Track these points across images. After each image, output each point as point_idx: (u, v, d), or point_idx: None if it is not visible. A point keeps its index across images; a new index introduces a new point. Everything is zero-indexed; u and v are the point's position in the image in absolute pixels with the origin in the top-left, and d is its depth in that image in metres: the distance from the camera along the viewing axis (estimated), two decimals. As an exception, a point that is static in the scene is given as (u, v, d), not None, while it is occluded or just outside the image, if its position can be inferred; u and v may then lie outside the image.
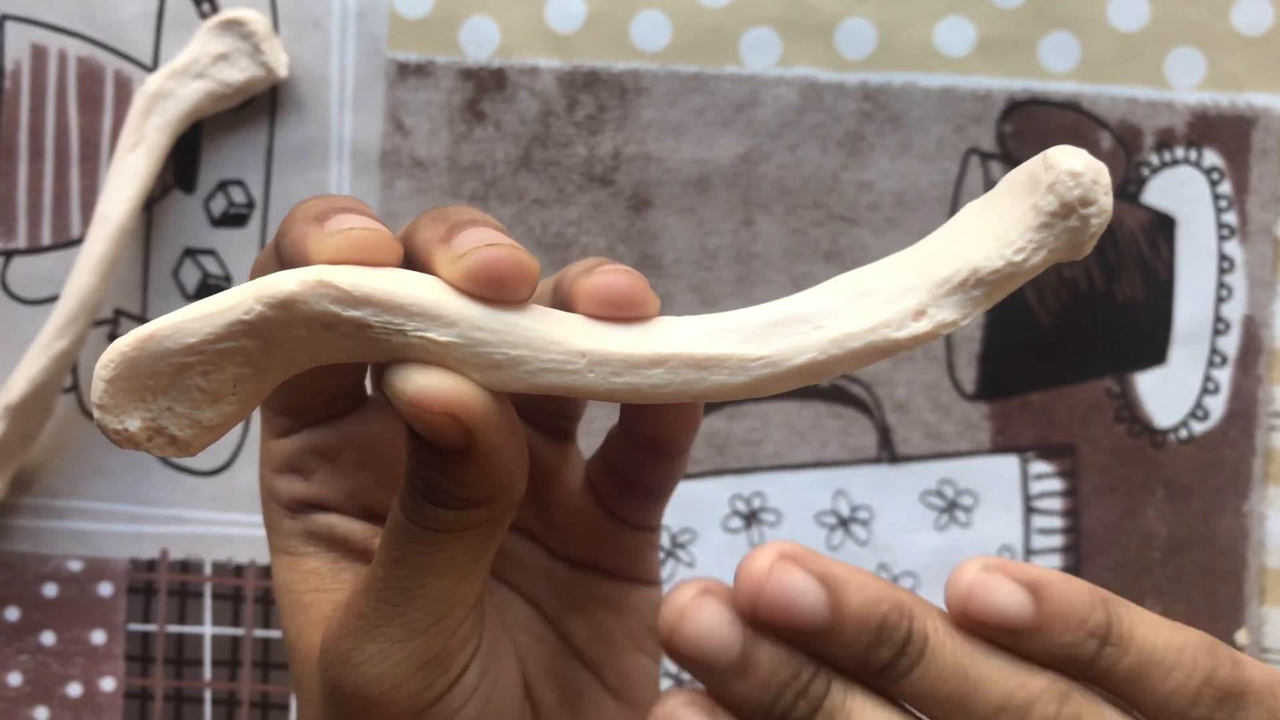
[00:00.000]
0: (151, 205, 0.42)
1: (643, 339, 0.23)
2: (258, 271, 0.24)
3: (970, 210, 0.24)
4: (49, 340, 0.40)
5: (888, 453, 0.42)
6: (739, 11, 0.41)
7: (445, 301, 0.22)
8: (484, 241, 0.22)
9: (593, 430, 0.39)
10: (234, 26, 0.41)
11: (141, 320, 0.42)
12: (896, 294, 0.23)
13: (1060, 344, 0.41)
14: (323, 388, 0.26)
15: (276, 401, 0.27)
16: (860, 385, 0.42)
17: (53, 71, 0.42)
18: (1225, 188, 0.41)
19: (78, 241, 0.42)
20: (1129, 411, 0.41)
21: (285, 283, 0.21)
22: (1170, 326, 0.41)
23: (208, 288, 0.42)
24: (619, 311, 0.23)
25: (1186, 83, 0.41)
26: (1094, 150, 0.41)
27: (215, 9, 0.42)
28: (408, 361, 0.22)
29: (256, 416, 0.27)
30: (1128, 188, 0.41)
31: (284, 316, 0.21)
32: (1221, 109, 0.41)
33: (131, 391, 0.22)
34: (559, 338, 0.22)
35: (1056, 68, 0.41)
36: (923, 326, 0.22)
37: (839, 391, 0.42)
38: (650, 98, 0.42)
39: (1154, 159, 0.41)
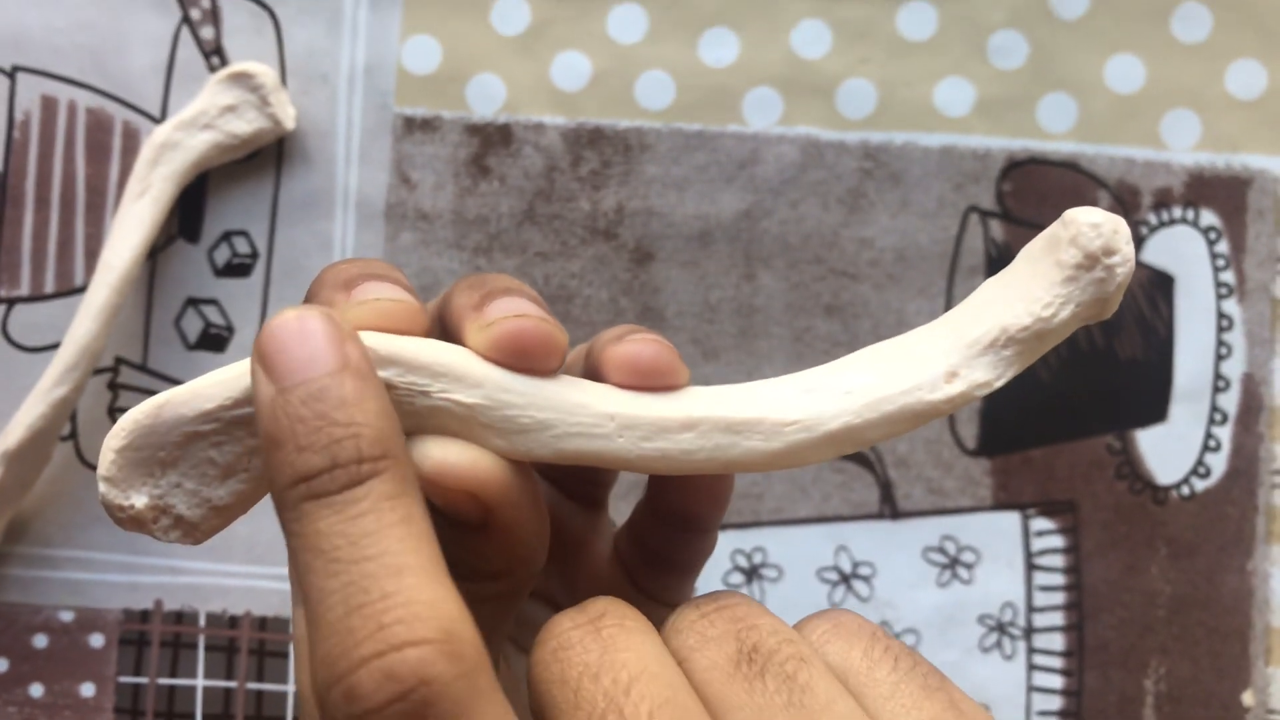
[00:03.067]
0: (155, 254, 0.42)
1: (673, 404, 0.23)
2: None
3: (991, 283, 0.24)
4: (48, 387, 0.39)
5: (889, 508, 0.42)
6: (741, 71, 0.42)
7: (472, 365, 0.22)
8: (513, 312, 0.22)
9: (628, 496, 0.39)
10: (242, 79, 0.41)
11: (142, 369, 0.42)
12: (927, 358, 0.23)
13: (1061, 401, 0.42)
14: None
15: None
16: (861, 440, 0.42)
17: (62, 122, 0.42)
18: (1223, 247, 0.41)
19: (81, 289, 0.42)
20: (1130, 468, 0.41)
21: None
22: (1170, 384, 0.41)
23: (209, 337, 0.42)
24: (648, 380, 0.23)
25: (1183, 144, 0.41)
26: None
27: (225, 62, 0.42)
28: (429, 432, 0.22)
29: None
30: (1126, 246, 0.42)
31: None
32: (1218, 170, 0.41)
33: (141, 464, 0.21)
34: (587, 401, 0.22)
35: (1055, 128, 0.42)
36: (956, 388, 0.22)
37: (840, 446, 0.42)
38: (654, 154, 0.42)
39: (1152, 218, 0.42)
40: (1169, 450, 0.41)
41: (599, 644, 0.20)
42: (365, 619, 0.18)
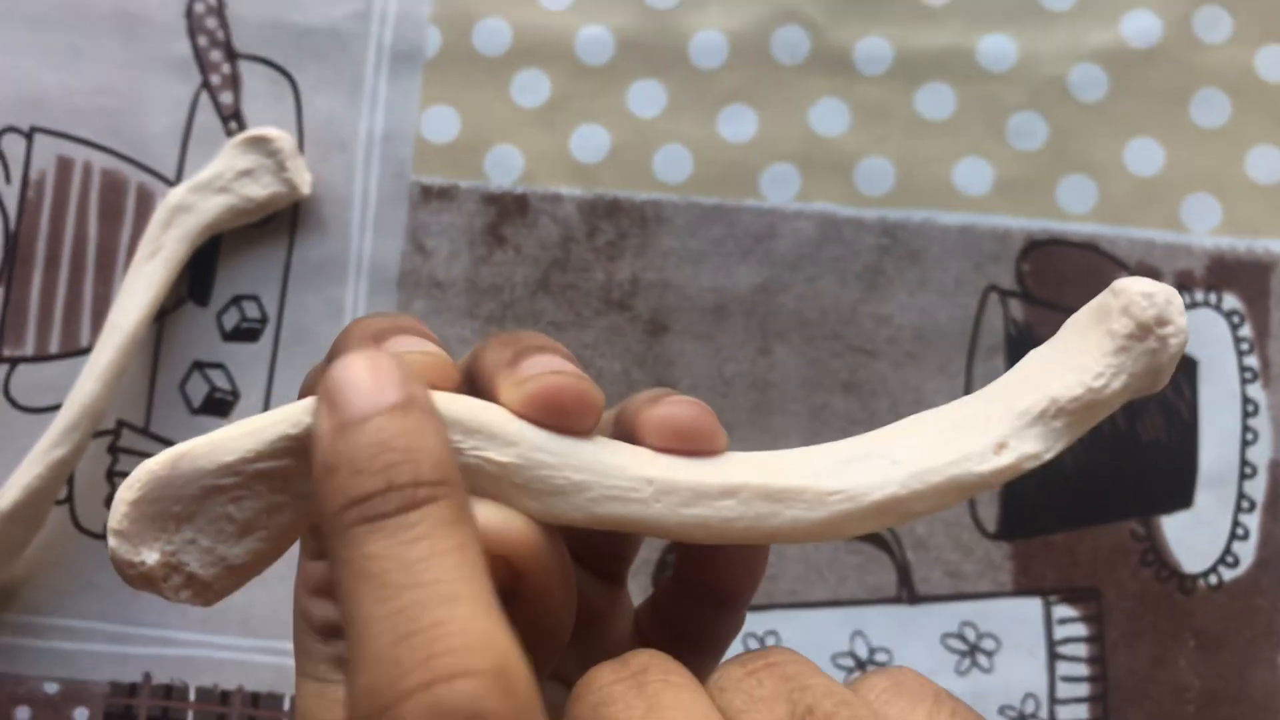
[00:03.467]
0: (163, 316, 0.42)
1: (713, 470, 0.22)
2: (306, 389, 0.24)
3: (1037, 354, 0.23)
4: (47, 447, 0.38)
5: (907, 592, 0.40)
6: (759, 147, 0.42)
7: (506, 423, 0.21)
8: (549, 369, 0.21)
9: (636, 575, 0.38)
10: (260, 143, 0.41)
11: (144, 432, 0.41)
12: (974, 429, 0.22)
13: (1083, 484, 0.41)
14: None
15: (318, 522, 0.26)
16: (878, 521, 0.40)
17: (77, 182, 0.42)
18: (1246, 331, 0.41)
19: (86, 351, 0.41)
20: (1155, 555, 0.40)
21: None
22: (1195, 469, 0.40)
23: (214, 402, 0.41)
24: (687, 444, 0.22)
25: (1203, 227, 0.41)
26: (1113, 291, 0.41)
27: (243, 127, 0.42)
28: None
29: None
30: (1148, 328, 0.41)
31: None
32: (1239, 254, 0.41)
33: (154, 518, 0.20)
34: (624, 464, 0.21)
35: (1075, 209, 0.41)
36: (1005, 459, 0.21)
37: (857, 527, 0.40)
38: (670, 227, 0.42)
39: (1173, 301, 0.41)
40: (1195, 538, 0.40)
41: (643, 701, 0.18)
42: (414, 648, 0.17)
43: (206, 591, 0.21)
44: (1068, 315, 0.38)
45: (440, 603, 0.17)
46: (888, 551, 0.40)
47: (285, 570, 0.39)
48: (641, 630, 0.27)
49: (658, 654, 0.20)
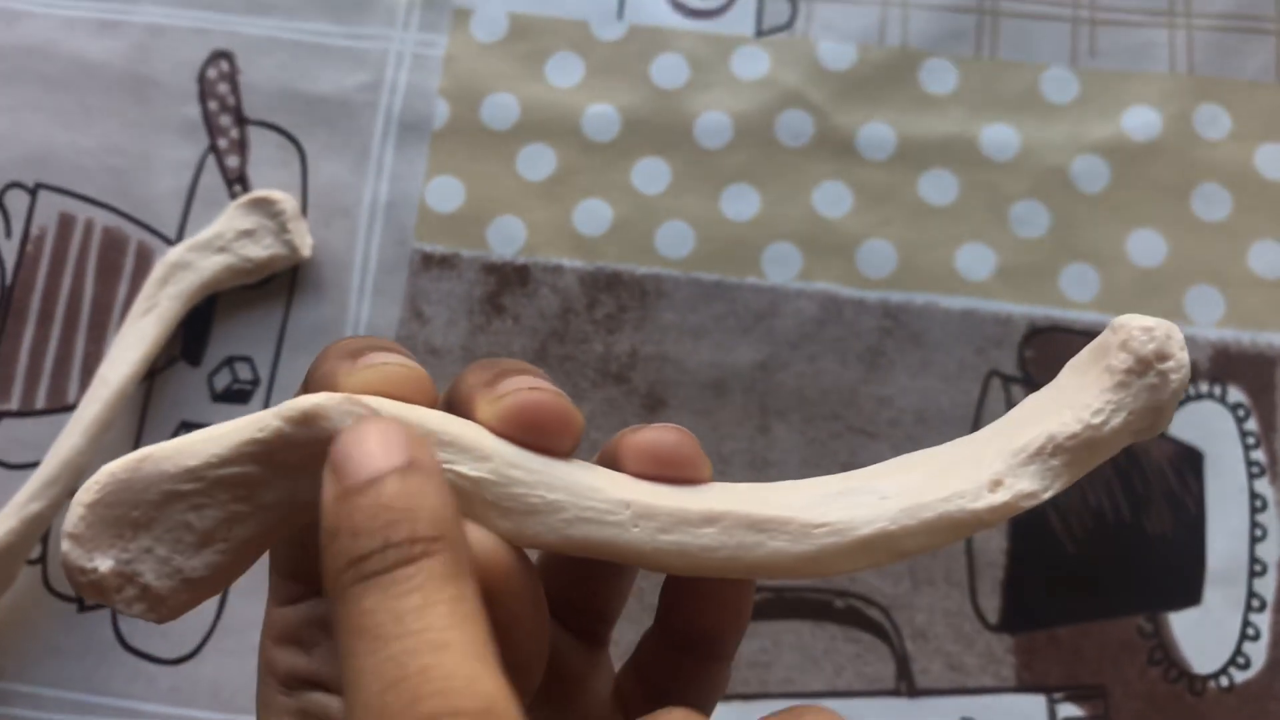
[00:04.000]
0: (154, 375, 0.41)
1: (694, 497, 0.21)
2: (300, 392, 0.23)
3: (1033, 398, 0.22)
4: (24, 501, 0.37)
5: (906, 684, 0.39)
6: (762, 226, 0.42)
7: (481, 438, 0.20)
8: (527, 386, 0.21)
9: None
10: (263, 205, 0.41)
11: (125, 492, 0.40)
12: (969, 466, 0.21)
13: (1088, 576, 0.39)
14: None
15: (286, 564, 0.25)
16: (878, 609, 0.39)
17: (77, 239, 0.42)
18: (1252, 424, 0.40)
19: (73, 407, 0.41)
20: (1164, 654, 0.39)
21: (309, 398, 0.20)
22: (1203, 565, 0.39)
23: (199, 463, 0.40)
24: (669, 470, 0.21)
25: (1207, 319, 0.41)
26: (1116, 380, 0.41)
27: (247, 190, 0.42)
28: None
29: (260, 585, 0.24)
30: (1152, 419, 0.40)
31: (302, 435, 0.20)
32: (1243, 346, 0.41)
33: (111, 523, 0.19)
34: (601, 486, 0.21)
35: (1077, 297, 0.41)
36: (1000, 497, 0.20)
37: (855, 614, 0.39)
38: (670, 301, 0.41)
39: (1178, 392, 0.41)
40: (1205, 636, 0.39)
41: None
42: (400, 693, 0.16)
43: (160, 606, 0.20)
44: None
45: (429, 650, 0.17)
46: (886, 641, 0.39)
47: (259, 639, 0.38)
48: (623, 695, 0.25)
49: (690, 712, 0.19)
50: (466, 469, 0.20)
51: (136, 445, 0.41)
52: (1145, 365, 0.20)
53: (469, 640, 0.17)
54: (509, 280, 0.42)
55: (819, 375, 0.41)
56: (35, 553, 0.40)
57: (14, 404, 0.41)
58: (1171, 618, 0.39)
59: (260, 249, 0.41)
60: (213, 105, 0.43)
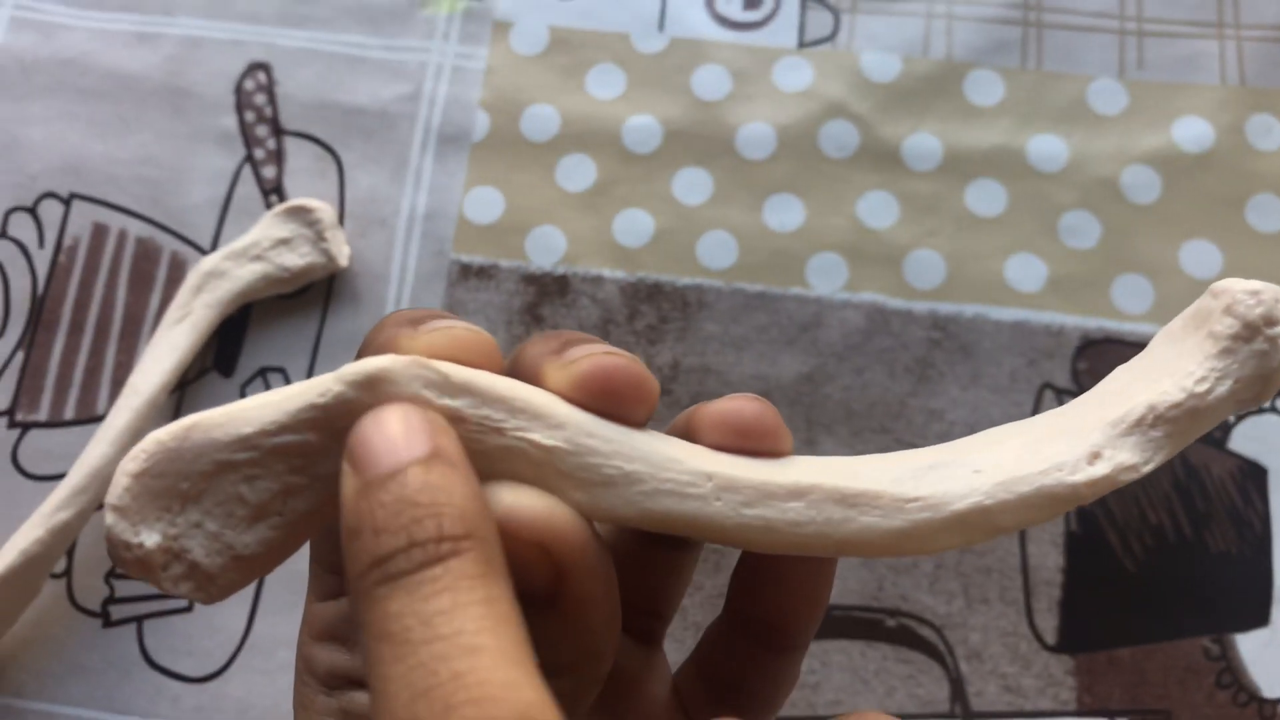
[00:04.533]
0: (185, 385, 0.40)
1: (779, 469, 0.20)
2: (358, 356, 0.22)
3: (1124, 368, 0.21)
4: (51, 510, 0.36)
5: (960, 707, 0.37)
6: (806, 236, 0.41)
7: (554, 405, 0.19)
8: (601, 351, 0.20)
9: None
10: (300, 213, 0.40)
11: (153, 505, 0.39)
12: (1064, 439, 0.20)
13: (1149, 595, 0.38)
14: None
15: (328, 555, 0.24)
16: (931, 628, 0.38)
17: (110, 249, 0.42)
18: (1316, 438, 0.39)
19: (101, 419, 0.40)
20: (1232, 677, 0.37)
21: (374, 360, 0.19)
22: (1270, 584, 0.38)
23: (230, 476, 0.39)
24: (750, 441, 0.20)
25: (1266, 330, 0.40)
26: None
27: (283, 200, 0.42)
28: (499, 478, 0.19)
29: (299, 587, 0.23)
30: (1213, 433, 0.39)
31: (366, 400, 0.18)
32: (1304, 359, 0.39)
33: (158, 495, 0.18)
34: (681, 457, 0.19)
35: (1131, 309, 0.40)
36: (1100, 470, 0.19)
37: (907, 634, 0.38)
38: (713, 312, 0.40)
39: (1237, 406, 0.39)
40: (1273, 659, 0.37)
41: None
42: (431, 702, 0.15)
43: (209, 585, 0.18)
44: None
45: (461, 655, 0.16)
46: (939, 661, 0.37)
47: (289, 658, 0.37)
48: (683, 695, 0.24)
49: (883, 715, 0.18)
50: (540, 437, 0.19)
51: (166, 457, 0.40)
52: (1253, 330, 0.19)
53: (504, 644, 0.16)
54: (548, 290, 0.41)
55: (866, 387, 0.40)
56: (60, 566, 0.38)
57: (42, 414, 0.40)
58: (1239, 639, 0.37)
59: (297, 257, 0.40)
60: (249, 116, 0.43)
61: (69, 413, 0.40)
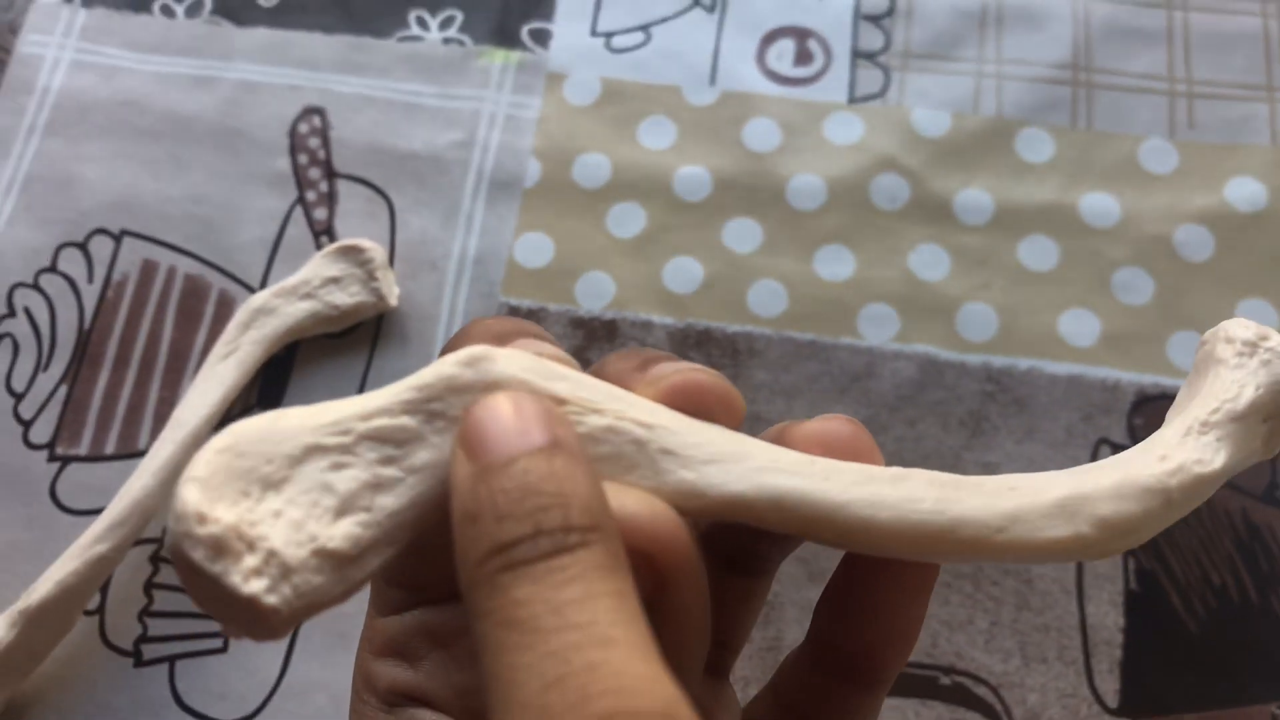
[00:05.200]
0: (229, 422, 0.40)
1: (878, 467, 0.20)
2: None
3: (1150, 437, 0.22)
4: (89, 542, 0.36)
5: (1021, 771, 0.36)
6: (857, 287, 0.41)
7: (647, 400, 0.19)
8: (688, 368, 0.20)
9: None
10: (351, 253, 0.40)
11: (191, 542, 0.38)
12: (1124, 459, 0.20)
13: (1214, 658, 0.37)
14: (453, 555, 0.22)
15: (395, 569, 0.23)
16: (987, 687, 0.36)
17: (158, 285, 0.41)
18: (1382, 500, 0.38)
19: (142, 454, 0.39)
20: (1302, 744, 0.36)
21: (478, 347, 0.19)
22: (1338, 650, 0.37)
23: (270, 515, 0.39)
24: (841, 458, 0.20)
25: (1326, 390, 0.39)
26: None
27: (334, 241, 0.42)
28: (599, 462, 0.18)
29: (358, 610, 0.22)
30: (1275, 493, 0.38)
31: (467, 378, 0.18)
32: (1366, 419, 0.39)
33: (240, 476, 0.17)
34: (781, 449, 0.19)
35: (1187, 365, 0.40)
36: (1171, 464, 0.20)
37: (962, 692, 0.36)
38: (763, 360, 0.40)
39: (1299, 465, 0.39)
40: (1344, 727, 0.36)
41: None
42: (566, 691, 0.14)
43: (284, 583, 0.16)
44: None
45: (595, 645, 0.15)
46: (997, 722, 0.36)
47: (326, 703, 0.35)
48: None
49: None
50: (642, 415, 0.18)
51: (206, 494, 0.39)
52: (1252, 347, 0.21)
53: (637, 639, 0.15)
54: (596, 335, 0.40)
55: (920, 439, 0.39)
56: (94, 603, 0.38)
57: (83, 449, 0.39)
58: (1307, 706, 0.36)
59: (346, 296, 0.40)
60: (302, 159, 0.43)
61: (110, 447, 0.39)
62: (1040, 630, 0.37)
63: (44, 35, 0.45)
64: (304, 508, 0.17)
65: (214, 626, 0.37)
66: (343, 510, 0.18)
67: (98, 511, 0.38)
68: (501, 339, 0.20)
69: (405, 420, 0.18)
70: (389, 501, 0.18)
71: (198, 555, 0.16)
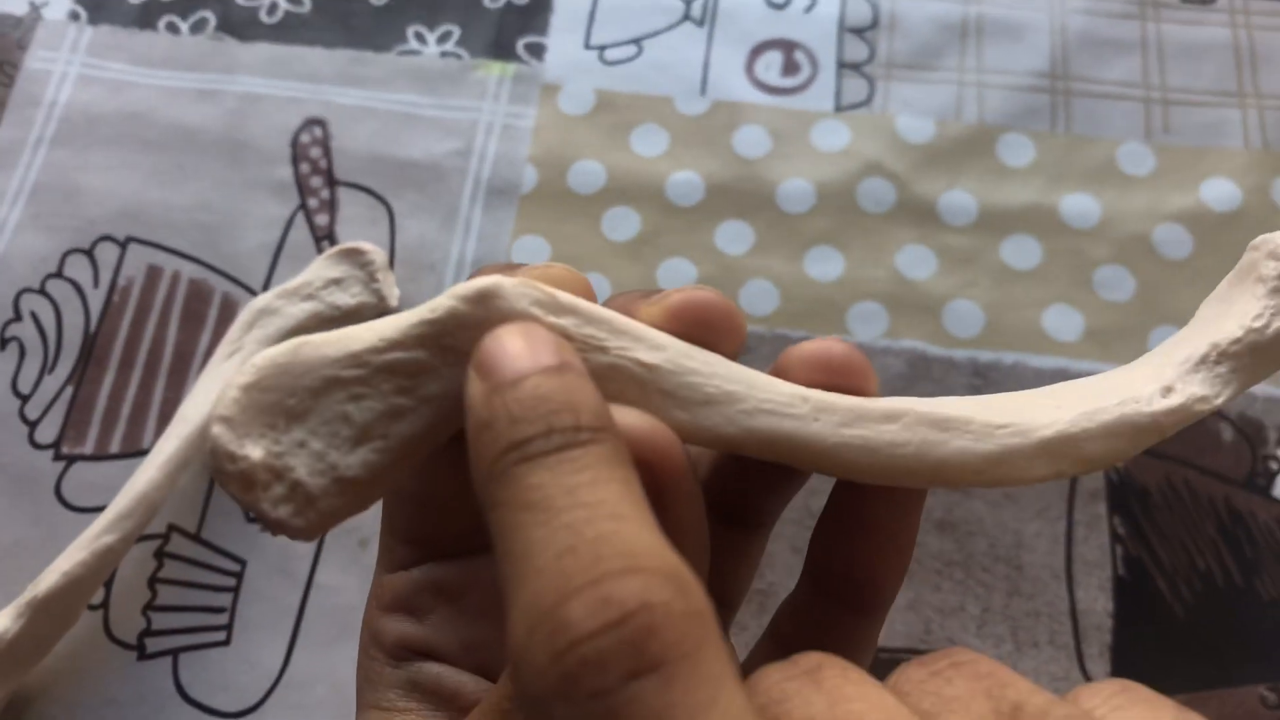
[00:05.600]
0: (232, 420, 0.40)
1: (869, 400, 0.20)
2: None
3: (1181, 332, 0.22)
4: (96, 533, 0.36)
5: (1014, 753, 0.36)
6: (847, 286, 0.42)
7: (651, 329, 0.20)
8: (690, 287, 0.21)
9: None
10: (352, 255, 0.41)
11: (196, 538, 0.39)
12: (1136, 378, 0.21)
13: (1201, 642, 0.37)
14: (463, 509, 0.23)
15: (402, 525, 0.24)
16: (979, 671, 0.37)
17: (163, 289, 0.42)
18: (1361, 485, 0.39)
19: (146, 452, 0.40)
20: (1290, 723, 0.36)
21: (485, 278, 0.19)
22: (1322, 631, 0.37)
23: (272, 511, 0.39)
24: (839, 378, 0.21)
25: (1304, 380, 0.40)
26: (1216, 442, 0.40)
27: (335, 245, 0.43)
28: (604, 397, 0.19)
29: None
30: (1256, 480, 0.39)
31: (477, 315, 0.19)
32: (1343, 408, 0.40)
33: (265, 410, 0.18)
34: (776, 383, 0.20)
35: (1168, 358, 0.41)
36: (1174, 400, 0.20)
37: (956, 677, 0.37)
38: (756, 356, 0.41)
39: None
40: (1331, 706, 0.36)
41: (822, 696, 0.16)
42: (579, 556, 0.15)
43: (309, 509, 0.18)
44: (1167, 463, 0.37)
45: (606, 519, 0.16)
46: (991, 706, 0.37)
47: (327, 693, 0.36)
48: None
49: (829, 655, 0.18)
50: (643, 355, 0.19)
51: (210, 492, 0.40)
52: None
53: (645, 517, 0.16)
54: (593, 334, 0.41)
55: (909, 431, 0.40)
56: (98, 598, 0.38)
57: (88, 448, 0.40)
58: (1294, 686, 0.37)
59: (348, 297, 0.41)
60: (304, 168, 0.44)
61: (115, 446, 0.40)
62: (1031, 616, 0.38)
63: (52, 51, 0.47)
64: (325, 438, 0.18)
65: (217, 620, 0.38)
66: (360, 439, 0.19)
67: (103, 509, 0.39)
68: (511, 269, 0.21)
69: (418, 353, 0.19)
70: (403, 428, 0.19)
71: (231, 488, 0.18)
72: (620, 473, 0.17)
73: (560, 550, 0.15)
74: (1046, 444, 0.19)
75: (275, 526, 0.18)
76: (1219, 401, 0.20)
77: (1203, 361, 0.20)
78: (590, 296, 0.21)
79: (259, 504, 0.18)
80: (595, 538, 0.15)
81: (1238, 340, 0.20)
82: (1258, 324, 0.20)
